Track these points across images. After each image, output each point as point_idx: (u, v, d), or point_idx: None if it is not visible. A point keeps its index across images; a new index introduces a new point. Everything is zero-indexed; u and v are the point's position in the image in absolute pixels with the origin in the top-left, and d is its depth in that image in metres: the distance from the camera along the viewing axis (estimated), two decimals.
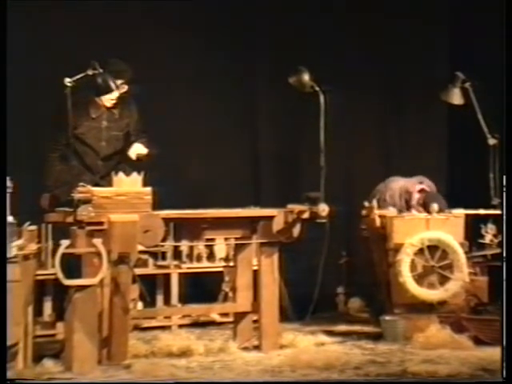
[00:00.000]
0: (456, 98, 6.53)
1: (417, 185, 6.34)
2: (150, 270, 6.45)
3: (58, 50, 6.38)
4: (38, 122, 6.26)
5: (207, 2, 6.89)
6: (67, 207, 5.11)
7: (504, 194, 4.64)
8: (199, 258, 6.64)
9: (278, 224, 5.48)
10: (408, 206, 6.26)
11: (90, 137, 5.78)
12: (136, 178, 5.18)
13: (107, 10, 6.55)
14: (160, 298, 6.49)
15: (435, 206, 6.04)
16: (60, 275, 4.93)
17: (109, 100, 5.74)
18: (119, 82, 5.71)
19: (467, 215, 6.08)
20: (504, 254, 4.54)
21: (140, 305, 6.11)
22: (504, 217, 4.61)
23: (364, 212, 6.14)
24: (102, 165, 5.82)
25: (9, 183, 4.68)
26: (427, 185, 6.38)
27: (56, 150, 5.59)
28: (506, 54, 4.76)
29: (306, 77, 5.70)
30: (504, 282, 4.45)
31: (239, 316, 5.65)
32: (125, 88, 5.78)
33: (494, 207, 6.19)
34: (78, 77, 5.25)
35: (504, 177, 4.64)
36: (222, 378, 4.87)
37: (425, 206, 6.19)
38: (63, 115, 5.28)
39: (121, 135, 5.87)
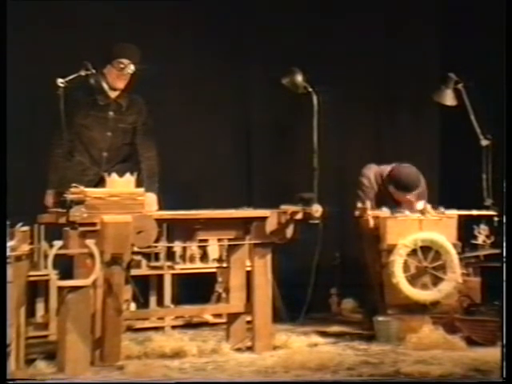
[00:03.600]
0: (449, 99, 6.53)
1: (388, 168, 6.33)
2: (143, 270, 6.44)
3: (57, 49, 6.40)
4: (28, 123, 6.28)
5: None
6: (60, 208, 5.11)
7: (504, 193, 4.66)
8: (192, 259, 6.63)
9: (271, 225, 5.48)
10: (381, 190, 6.24)
11: (95, 127, 5.74)
12: (129, 179, 5.17)
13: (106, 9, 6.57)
14: (153, 299, 6.48)
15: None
16: (53, 276, 4.92)
17: (123, 75, 5.69)
18: (127, 62, 5.67)
19: (460, 216, 6.09)
20: (504, 254, 4.57)
21: (133, 306, 6.10)
22: (504, 217, 4.64)
23: (357, 213, 6.13)
24: (107, 157, 5.79)
25: None
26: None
27: (60, 145, 5.51)
28: (506, 54, 4.77)
29: (299, 78, 5.71)
30: (504, 283, 4.47)
31: (232, 317, 5.65)
32: (133, 69, 5.71)
33: (487, 208, 6.20)
34: (71, 77, 5.24)
35: (504, 174, 4.65)
36: (215, 378, 4.86)
37: (396, 184, 6.18)
38: (68, 112, 5.25)
39: (129, 128, 5.83)
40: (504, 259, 4.57)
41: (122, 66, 5.69)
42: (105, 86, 5.62)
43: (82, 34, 6.52)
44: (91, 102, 5.71)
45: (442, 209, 6.06)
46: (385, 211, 6.05)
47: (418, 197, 6.22)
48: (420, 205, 6.14)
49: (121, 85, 5.74)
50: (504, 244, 4.64)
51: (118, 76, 5.70)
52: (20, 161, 6.04)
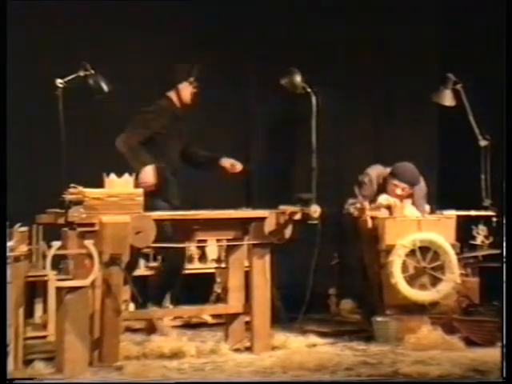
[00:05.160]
0: (447, 99, 6.54)
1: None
2: (142, 271, 6.44)
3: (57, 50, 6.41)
4: (28, 123, 6.29)
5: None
6: None
7: (504, 194, 4.67)
8: (191, 260, 6.64)
9: (269, 225, 5.48)
10: (381, 190, 6.24)
11: (171, 138, 6.06)
12: (128, 180, 5.17)
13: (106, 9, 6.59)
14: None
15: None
16: (51, 277, 4.93)
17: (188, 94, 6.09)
18: (191, 79, 6.06)
19: (458, 216, 6.09)
20: (504, 255, 4.58)
21: (131, 306, 6.10)
22: (504, 217, 4.64)
23: (356, 213, 6.13)
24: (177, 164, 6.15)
25: None
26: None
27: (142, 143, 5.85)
28: (506, 54, 4.77)
29: (298, 78, 5.71)
30: (504, 283, 4.48)
31: (231, 317, 5.65)
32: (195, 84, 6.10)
33: (486, 208, 6.21)
34: (70, 78, 5.24)
35: (504, 175, 4.66)
36: (213, 379, 4.87)
37: (395, 173, 6.18)
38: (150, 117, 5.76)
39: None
40: (504, 259, 4.57)
41: (196, 84, 6.08)
42: (104, 86, 5.69)
43: (82, 34, 6.52)
44: (172, 116, 6.03)
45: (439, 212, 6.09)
46: (383, 212, 6.06)
47: (412, 196, 6.20)
48: (407, 206, 6.12)
49: (191, 101, 6.10)
50: (504, 244, 4.64)
51: (193, 93, 6.10)
52: (20, 161, 6.05)
